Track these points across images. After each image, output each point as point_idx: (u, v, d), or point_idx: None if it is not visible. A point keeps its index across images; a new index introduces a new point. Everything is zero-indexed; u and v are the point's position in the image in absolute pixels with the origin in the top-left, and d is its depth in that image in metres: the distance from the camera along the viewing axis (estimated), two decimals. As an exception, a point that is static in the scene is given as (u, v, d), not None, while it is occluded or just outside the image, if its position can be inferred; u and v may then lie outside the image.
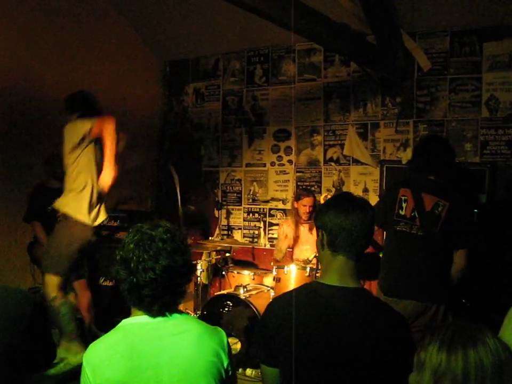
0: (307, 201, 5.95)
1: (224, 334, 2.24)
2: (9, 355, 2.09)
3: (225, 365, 2.15)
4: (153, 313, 2.12)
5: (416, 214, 3.89)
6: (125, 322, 2.17)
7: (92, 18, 6.72)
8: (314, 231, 5.82)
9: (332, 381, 2.03)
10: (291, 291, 2.29)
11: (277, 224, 7.04)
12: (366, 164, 6.68)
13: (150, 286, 2.06)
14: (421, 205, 3.88)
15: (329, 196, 4.61)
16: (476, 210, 4.82)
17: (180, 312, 2.20)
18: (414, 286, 3.85)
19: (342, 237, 2.12)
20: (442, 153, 4.02)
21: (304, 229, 6.11)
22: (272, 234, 7.23)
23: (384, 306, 2.22)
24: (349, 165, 6.82)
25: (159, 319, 2.13)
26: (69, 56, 6.42)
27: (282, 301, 2.22)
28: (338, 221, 2.13)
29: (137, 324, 2.13)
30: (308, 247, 5.99)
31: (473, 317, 4.42)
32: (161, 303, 2.10)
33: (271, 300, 2.35)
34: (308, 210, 5.95)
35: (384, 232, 4.46)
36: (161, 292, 2.08)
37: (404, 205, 3.95)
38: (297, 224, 6.10)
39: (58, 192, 5.76)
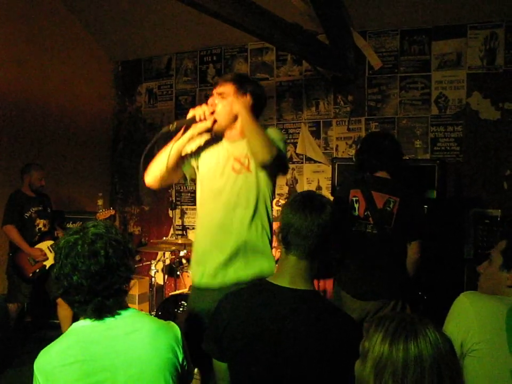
0: None
1: (177, 328, 2.20)
2: None
3: (180, 359, 2.13)
4: (90, 317, 2.07)
5: (369, 213, 3.93)
6: (76, 325, 2.11)
7: (41, 17, 6.63)
8: None
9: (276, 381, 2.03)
10: (242, 289, 2.29)
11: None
12: (319, 162, 6.73)
13: (74, 292, 2.02)
14: (372, 203, 3.91)
15: (281, 201, 4.57)
16: (425, 206, 4.90)
17: (130, 309, 2.15)
18: (372, 285, 3.87)
19: (291, 235, 2.11)
20: (388, 149, 4.02)
21: None
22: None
23: (333, 309, 2.19)
24: (302, 163, 6.87)
25: (110, 319, 2.08)
26: (18, 56, 6.32)
27: (233, 298, 2.21)
28: (288, 218, 2.12)
29: (88, 325, 2.08)
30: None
31: (429, 309, 4.49)
32: (93, 307, 2.04)
33: (222, 297, 2.33)
34: None
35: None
36: (88, 297, 2.02)
37: (356, 205, 3.97)
38: None
39: (35, 200, 5.74)
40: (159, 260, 6.61)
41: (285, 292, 2.11)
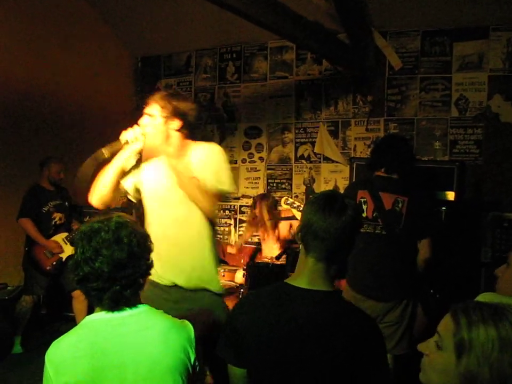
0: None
1: (191, 327, 2.17)
2: None
3: (192, 360, 2.10)
4: (105, 307, 2.05)
5: (377, 214, 3.92)
6: (88, 318, 2.10)
7: (63, 13, 6.65)
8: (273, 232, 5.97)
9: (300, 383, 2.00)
10: (259, 291, 2.25)
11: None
12: (337, 162, 6.71)
13: (94, 278, 2.00)
14: (381, 204, 3.90)
15: (289, 199, 4.57)
16: (443, 208, 4.87)
17: (144, 306, 2.14)
18: (382, 286, 3.86)
19: (309, 235, 2.06)
20: (399, 151, 4.02)
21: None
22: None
23: (354, 310, 2.15)
24: (320, 162, 6.85)
25: (123, 314, 2.06)
26: (40, 51, 6.35)
27: (250, 302, 2.16)
28: (308, 217, 2.07)
29: (100, 320, 2.06)
30: (277, 245, 5.99)
31: (441, 307, 4.46)
32: (109, 296, 2.03)
33: (239, 300, 2.30)
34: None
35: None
36: (107, 284, 2.01)
37: (364, 207, 3.97)
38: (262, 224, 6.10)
39: (53, 193, 5.76)
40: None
41: (305, 293, 2.06)
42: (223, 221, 7.53)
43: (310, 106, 6.91)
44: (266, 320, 2.03)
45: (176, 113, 3.15)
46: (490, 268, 4.03)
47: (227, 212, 7.48)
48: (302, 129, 6.95)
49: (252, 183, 7.28)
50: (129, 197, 3.46)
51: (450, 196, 5.00)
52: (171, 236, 3.21)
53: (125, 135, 3.17)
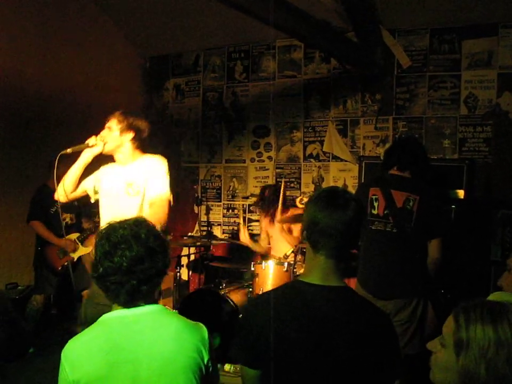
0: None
1: (205, 329, 2.22)
2: None
3: (205, 360, 2.14)
4: (122, 301, 2.12)
5: (388, 212, 3.92)
6: (104, 317, 2.16)
7: (73, 13, 6.67)
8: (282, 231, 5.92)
9: (318, 380, 2.00)
10: (273, 290, 2.25)
11: (257, 220, 7.04)
12: (346, 161, 6.70)
13: (113, 272, 2.07)
14: (392, 202, 3.90)
15: (304, 199, 4.59)
16: (453, 206, 4.86)
17: (159, 305, 2.19)
18: (392, 284, 3.86)
19: (316, 234, 2.07)
20: (406, 149, 4.08)
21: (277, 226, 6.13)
22: (252, 230, 7.21)
23: (368, 304, 2.16)
24: (329, 161, 6.84)
25: (138, 311, 2.12)
26: (49, 51, 6.37)
27: (264, 301, 2.14)
28: (313, 215, 2.08)
29: (116, 317, 2.12)
30: (286, 243, 5.98)
31: (451, 307, 4.45)
32: (127, 290, 2.09)
33: (251, 300, 2.31)
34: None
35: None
36: (125, 278, 2.07)
37: (375, 204, 3.98)
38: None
39: None
40: (184, 255, 6.63)
41: (319, 289, 2.07)
42: (232, 220, 7.54)
43: (318, 105, 6.90)
44: (282, 318, 2.04)
45: (130, 128, 3.94)
46: (500, 266, 4.02)
47: (236, 211, 7.49)
48: (310, 128, 6.95)
49: (261, 182, 7.27)
50: (90, 197, 4.14)
51: (460, 194, 5.00)
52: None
53: (89, 140, 3.94)
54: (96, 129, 6.93)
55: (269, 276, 5.33)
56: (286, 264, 5.29)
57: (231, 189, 7.53)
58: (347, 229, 2.05)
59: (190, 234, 7.18)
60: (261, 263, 5.40)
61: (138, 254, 2.08)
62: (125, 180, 3.90)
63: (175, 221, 7.80)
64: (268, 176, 7.25)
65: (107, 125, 3.98)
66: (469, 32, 5.96)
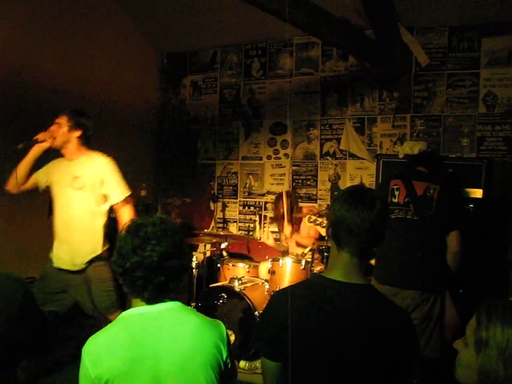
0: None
1: (223, 327, 2.24)
2: (2, 342, 2.08)
3: (224, 357, 2.16)
4: (147, 297, 2.13)
5: (409, 200, 3.93)
6: (125, 313, 2.18)
7: (90, 9, 6.69)
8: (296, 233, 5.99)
9: (337, 375, 2.01)
10: (296, 285, 2.27)
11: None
12: (362, 159, 6.68)
13: (140, 268, 2.08)
14: (413, 190, 3.94)
15: (312, 217, 4.62)
16: (471, 205, 4.84)
17: (178, 302, 2.21)
18: (412, 274, 3.87)
19: (342, 232, 2.09)
20: (433, 159, 4.25)
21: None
22: (267, 227, 7.21)
23: (389, 303, 2.18)
24: (345, 159, 6.83)
25: (159, 308, 2.13)
26: (67, 46, 6.39)
27: (287, 295, 2.15)
28: (339, 214, 2.09)
29: (137, 314, 2.15)
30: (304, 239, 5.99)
31: (470, 308, 4.43)
32: (154, 285, 2.11)
33: (274, 293, 2.33)
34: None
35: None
36: (152, 274, 2.09)
37: (396, 193, 4.01)
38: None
39: None
40: (200, 252, 6.65)
41: (342, 286, 2.09)
42: (248, 217, 7.54)
43: (335, 103, 6.89)
44: (304, 313, 2.06)
45: (78, 126, 4.27)
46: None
47: (252, 208, 7.49)
48: (327, 125, 6.94)
49: (277, 179, 7.28)
50: (40, 188, 4.41)
51: (478, 193, 4.97)
52: (67, 219, 4.26)
53: (39, 136, 4.23)
54: (113, 124, 7.01)
55: (286, 273, 5.34)
56: (303, 262, 5.29)
57: (247, 186, 7.53)
58: (372, 228, 2.08)
59: (205, 230, 7.19)
60: (278, 260, 5.41)
61: (168, 250, 2.10)
62: (71, 174, 4.25)
63: (191, 217, 7.84)
64: (284, 174, 7.24)
65: (57, 121, 4.28)
66: (488, 30, 5.92)
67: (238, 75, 7.62)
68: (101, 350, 2.05)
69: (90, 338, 2.11)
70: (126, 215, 4.29)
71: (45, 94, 6.09)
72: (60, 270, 4.31)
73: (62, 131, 4.24)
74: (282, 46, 7.25)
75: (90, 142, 4.44)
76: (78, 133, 4.28)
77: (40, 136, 4.24)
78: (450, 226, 3.85)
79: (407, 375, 2.06)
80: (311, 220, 4.57)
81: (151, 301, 2.14)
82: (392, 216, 3.98)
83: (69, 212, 4.26)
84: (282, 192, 6.18)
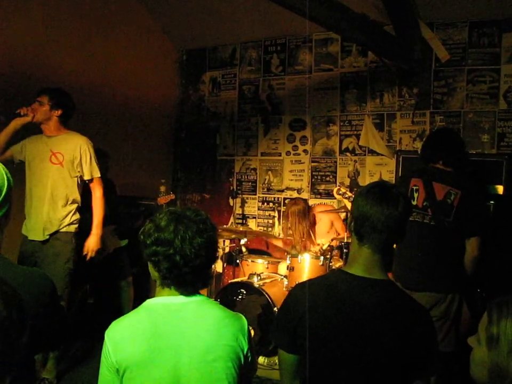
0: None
1: (245, 320, 2.25)
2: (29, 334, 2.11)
3: (245, 350, 2.17)
4: (188, 290, 2.16)
5: (428, 204, 3.88)
6: (148, 302, 2.19)
7: (110, 6, 6.72)
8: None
9: (355, 370, 2.03)
10: (316, 278, 2.28)
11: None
12: (382, 155, 6.66)
13: (192, 263, 2.09)
14: (433, 194, 3.87)
15: (342, 189, 4.59)
16: (491, 202, 4.80)
17: (201, 295, 2.22)
18: (427, 277, 3.83)
19: (366, 227, 2.09)
20: (450, 143, 4.03)
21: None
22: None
23: (409, 299, 2.19)
24: (365, 155, 6.81)
25: (182, 300, 2.15)
26: (87, 44, 6.43)
27: (307, 288, 2.18)
28: (364, 210, 2.10)
29: (161, 304, 2.16)
30: (322, 239, 5.99)
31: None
32: (200, 279, 2.18)
33: (294, 286, 2.34)
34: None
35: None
36: (199, 270, 2.12)
37: (415, 195, 3.94)
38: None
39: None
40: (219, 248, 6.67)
41: (362, 281, 2.10)
42: (267, 213, 7.55)
43: (355, 99, 6.87)
44: (324, 306, 2.08)
45: (59, 105, 4.45)
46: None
47: (271, 204, 7.50)
48: (347, 121, 6.93)
49: (296, 175, 7.28)
50: (15, 160, 4.54)
51: (499, 189, 4.94)
52: (42, 192, 4.43)
53: (21, 110, 4.36)
54: (134, 120, 7.04)
55: (304, 269, 5.35)
56: (322, 258, 5.30)
57: (266, 182, 7.54)
58: (396, 225, 2.09)
59: (224, 226, 7.21)
60: (297, 257, 5.42)
61: (203, 242, 2.11)
62: (50, 149, 4.46)
63: (210, 213, 7.85)
64: (304, 170, 7.24)
65: (39, 99, 4.44)
66: (509, 25, 5.88)
67: (257, 71, 7.62)
68: (123, 336, 2.08)
69: (114, 322, 2.14)
70: (94, 196, 4.63)
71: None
72: (31, 241, 4.47)
73: (43, 109, 4.42)
74: (302, 42, 7.24)
75: (69, 121, 4.66)
76: (58, 112, 4.48)
77: (22, 110, 4.38)
78: (471, 232, 3.81)
79: (421, 371, 2.07)
80: (339, 192, 4.56)
81: (178, 290, 2.16)
82: (410, 218, 3.95)
83: (45, 185, 4.44)
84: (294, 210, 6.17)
